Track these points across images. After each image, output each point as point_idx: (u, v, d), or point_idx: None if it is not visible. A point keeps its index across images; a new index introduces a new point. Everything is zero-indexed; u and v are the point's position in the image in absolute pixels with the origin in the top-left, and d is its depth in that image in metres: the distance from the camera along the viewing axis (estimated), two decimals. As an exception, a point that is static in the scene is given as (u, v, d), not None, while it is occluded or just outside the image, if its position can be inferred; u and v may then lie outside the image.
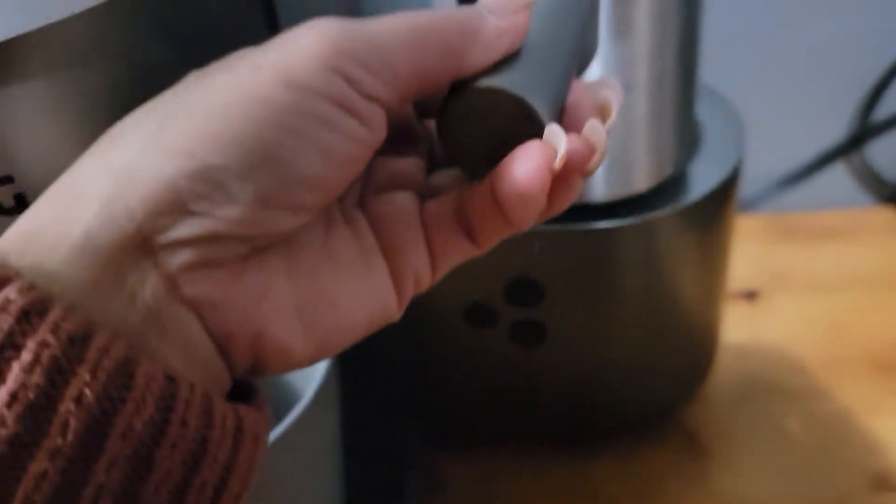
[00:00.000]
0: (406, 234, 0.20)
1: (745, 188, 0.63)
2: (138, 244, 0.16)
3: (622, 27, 0.32)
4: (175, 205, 0.16)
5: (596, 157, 0.19)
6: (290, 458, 0.29)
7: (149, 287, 0.16)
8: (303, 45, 0.17)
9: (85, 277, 0.16)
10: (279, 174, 0.16)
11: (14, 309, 0.14)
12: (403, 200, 0.20)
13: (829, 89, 0.59)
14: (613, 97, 0.21)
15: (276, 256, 0.18)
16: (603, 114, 0.21)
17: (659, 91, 0.34)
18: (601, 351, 0.41)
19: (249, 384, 0.19)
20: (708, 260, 0.41)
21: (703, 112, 0.42)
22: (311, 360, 0.19)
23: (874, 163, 0.62)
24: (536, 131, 0.18)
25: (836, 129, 0.62)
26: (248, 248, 0.17)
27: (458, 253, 0.21)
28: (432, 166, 0.22)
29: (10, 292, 0.14)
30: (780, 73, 0.58)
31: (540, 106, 0.18)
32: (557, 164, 0.18)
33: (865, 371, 0.50)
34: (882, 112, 0.59)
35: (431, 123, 0.22)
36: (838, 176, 0.64)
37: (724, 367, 0.50)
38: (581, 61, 0.22)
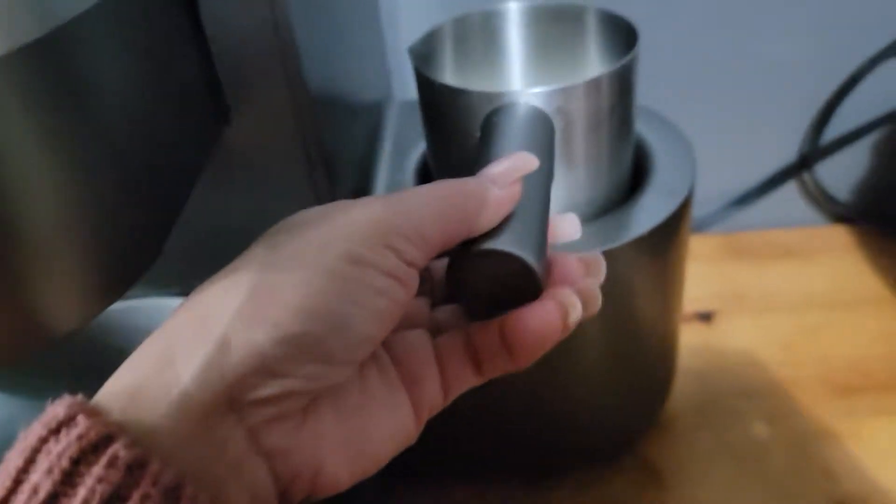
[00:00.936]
0: (424, 368, 0.23)
1: (699, 209, 0.63)
2: (227, 402, 0.19)
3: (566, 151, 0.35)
4: (262, 368, 0.19)
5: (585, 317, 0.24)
6: None
7: (233, 440, 0.19)
8: (361, 223, 0.20)
9: (180, 433, 0.18)
10: (344, 336, 0.20)
11: (122, 464, 0.17)
12: (418, 337, 0.24)
13: (780, 110, 0.60)
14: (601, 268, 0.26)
15: (327, 401, 0.21)
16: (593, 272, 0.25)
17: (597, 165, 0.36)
18: (560, 380, 0.40)
19: None
20: (662, 287, 0.40)
21: (654, 139, 0.42)
22: (351, 484, 0.22)
23: (825, 182, 0.63)
24: (533, 281, 0.23)
25: (787, 150, 0.62)
26: (309, 399, 0.20)
27: (466, 383, 0.24)
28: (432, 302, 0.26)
29: (119, 449, 0.17)
30: (732, 94, 0.58)
31: (534, 261, 0.23)
32: (571, 323, 0.23)
33: (821, 394, 0.50)
34: (832, 132, 0.60)
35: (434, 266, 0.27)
36: (790, 196, 0.64)
37: (682, 390, 0.50)
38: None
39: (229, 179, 0.34)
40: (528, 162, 0.25)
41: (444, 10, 0.46)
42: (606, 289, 0.37)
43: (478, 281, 0.23)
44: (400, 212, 0.21)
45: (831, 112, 0.59)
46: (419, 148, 0.44)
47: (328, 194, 0.34)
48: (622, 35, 0.38)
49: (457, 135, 0.36)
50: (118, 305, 0.37)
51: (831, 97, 0.58)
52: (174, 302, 0.36)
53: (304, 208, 0.34)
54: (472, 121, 0.34)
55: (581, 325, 0.38)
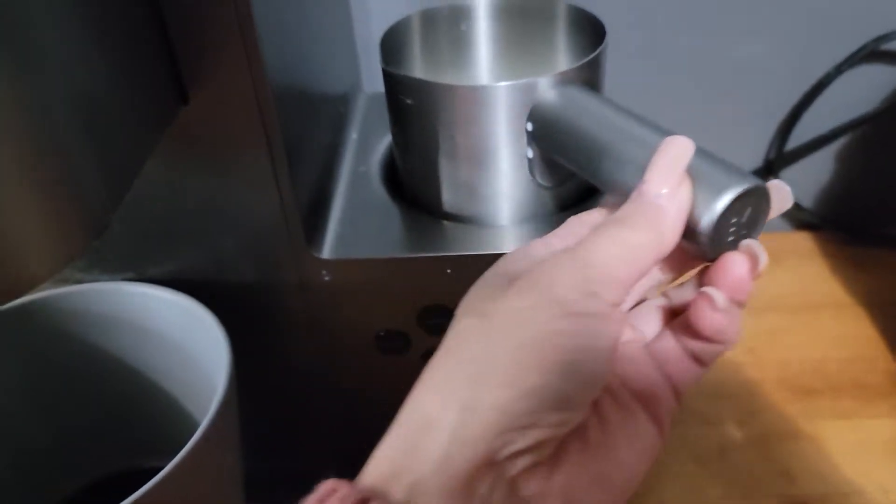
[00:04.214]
0: (650, 379, 0.24)
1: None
2: (486, 460, 0.20)
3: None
4: (511, 424, 0.20)
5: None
6: (185, 491, 0.27)
7: (496, 494, 0.20)
8: (560, 279, 0.22)
9: (445, 493, 0.19)
10: (576, 381, 0.21)
11: None
12: (635, 352, 0.24)
13: (747, 115, 0.60)
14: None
15: (572, 442, 0.22)
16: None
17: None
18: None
19: None
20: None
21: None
22: None
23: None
24: (767, 197, 0.24)
25: (754, 155, 0.63)
26: (556, 444, 0.21)
27: (693, 376, 0.24)
28: None
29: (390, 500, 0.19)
30: (700, 99, 0.59)
31: (756, 179, 0.23)
32: (762, 268, 0.23)
33: (782, 396, 0.50)
34: (798, 138, 0.60)
35: None
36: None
37: (645, 392, 0.50)
38: None
39: (187, 162, 0.33)
40: (682, 146, 0.24)
41: (414, 3, 0.45)
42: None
43: (724, 227, 0.23)
44: (589, 264, 0.22)
45: (797, 118, 0.59)
46: (385, 141, 0.44)
47: (288, 181, 0.33)
48: (590, 32, 0.38)
49: (422, 128, 0.35)
50: (75, 288, 0.36)
51: (797, 103, 0.59)
52: (130, 287, 0.36)
53: (263, 195, 0.34)
54: (439, 114, 0.34)
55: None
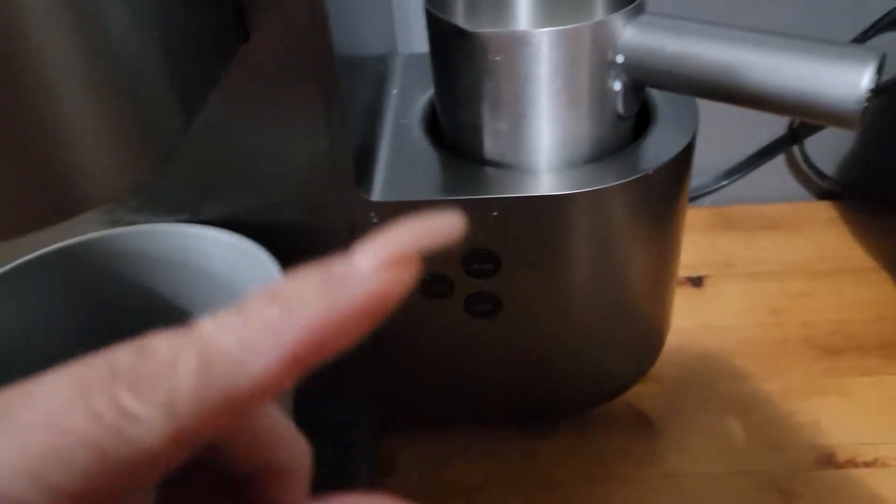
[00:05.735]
0: None
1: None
2: None
3: None
4: None
5: None
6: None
7: None
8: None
9: None
10: None
11: None
12: None
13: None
14: None
15: None
16: None
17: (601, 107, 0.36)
18: (555, 326, 0.41)
19: None
20: (662, 234, 0.41)
21: (656, 93, 0.42)
22: None
23: (814, 157, 0.64)
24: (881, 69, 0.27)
25: (776, 123, 0.63)
26: None
27: None
28: None
29: None
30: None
31: None
32: None
33: (807, 354, 0.51)
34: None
35: None
36: (780, 171, 0.65)
37: (672, 348, 0.51)
38: None
39: (243, 102, 0.34)
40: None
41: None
42: (614, 229, 0.38)
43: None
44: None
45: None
46: (424, 96, 0.45)
47: (341, 123, 0.34)
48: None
49: (465, 77, 0.36)
50: (127, 229, 0.37)
51: (821, 72, 0.59)
52: (183, 228, 0.37)
53: (317, 136, 0.34)
54: (481, 62, 0.35)
55: (578, 266, 0.39)
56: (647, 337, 0.46)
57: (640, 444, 0.46)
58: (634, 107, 0.38)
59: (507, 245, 0.37)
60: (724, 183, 0.65)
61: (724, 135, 0.63)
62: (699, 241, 0.62)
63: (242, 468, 0.16)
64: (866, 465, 0.44)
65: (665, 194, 0.39)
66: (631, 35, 0.35)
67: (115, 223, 0.38)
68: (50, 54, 0.19)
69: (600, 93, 0.36)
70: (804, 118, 0.32)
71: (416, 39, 0.58)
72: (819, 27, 0.57)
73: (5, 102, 0.19)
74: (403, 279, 0.14)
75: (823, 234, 0.62)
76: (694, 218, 0.64)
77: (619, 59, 0.35)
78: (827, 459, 0.44)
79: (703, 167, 0.64)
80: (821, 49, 0.25)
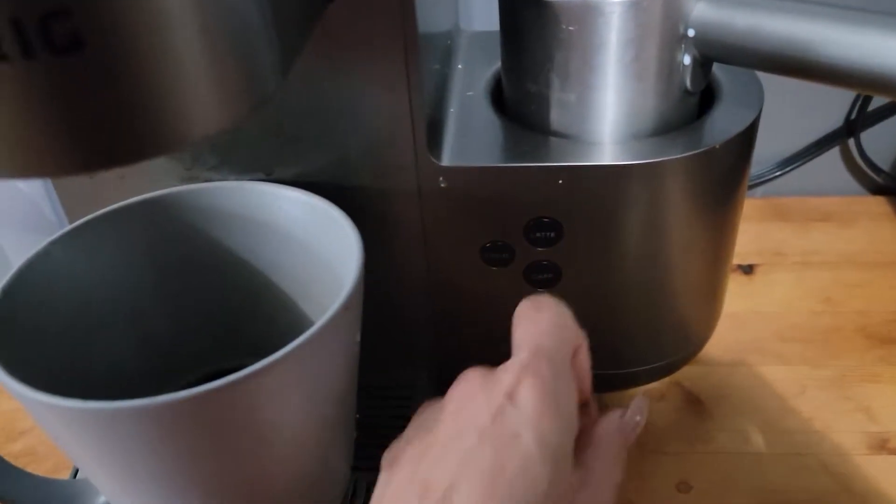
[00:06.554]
0: None
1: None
2: None
3: None
4: None
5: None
6: (320, 355, 0.29)
7: None
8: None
9: None
10: None
11: None
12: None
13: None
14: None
15: None
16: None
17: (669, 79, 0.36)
18: (611, 299, 0.42)
19: None
20: (721, 212, 0.41)
21: (721, 73, 0.43)
22: None
23: (869, 151, 0.64)
24: None
25: (834, 116, 0.63)
26: None
27: None
28: None
29: None
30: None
31: None
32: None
33: (860, 342, 0.51)
34: (879, 100, 0.61)
35: None
36: (834, 165, 0.65)
37: (723, 331, 0.51)
38: None
39: (325, 62, 0.35)
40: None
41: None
42: (676, 203, 0.39)
43: None
44: None
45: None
46: (489, 71, 0.46)
47: (420, 88, 0.35)
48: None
49: (536, 46, 0.37)
50: (204, 186, 0.38)
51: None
52: (260, 186, 0.38)
53: (394, 99, 0.36)
54: (553, 32, 0.36)
55: (638, 238, 0.40)
56: (699, 315, 0.46)
57: (689, 423, 0.47)
58: (702, 83, 0.39)
59: (570, 214, 0.38)
60: (778, 173, 0.65)
61: (779, 125, 0.63)
62: (750, 229, 0.62)
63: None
64: (919, 451, 0.44)
65: (727, 171, 0.40)
66: (703, 9, 0.35)
67: (193, 179, 0.39)
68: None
69: (669, 66, 0.37)
70: (878, 94, 0.32)
71: (476, 17, 0.59)
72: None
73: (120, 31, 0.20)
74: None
75: (878, 228, 0.62)
76: (745, 207, 0.64)
77: (691, 32, 0.36)
78: (880, 445, 0.44)
79: (757, 156, 0.64)
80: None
